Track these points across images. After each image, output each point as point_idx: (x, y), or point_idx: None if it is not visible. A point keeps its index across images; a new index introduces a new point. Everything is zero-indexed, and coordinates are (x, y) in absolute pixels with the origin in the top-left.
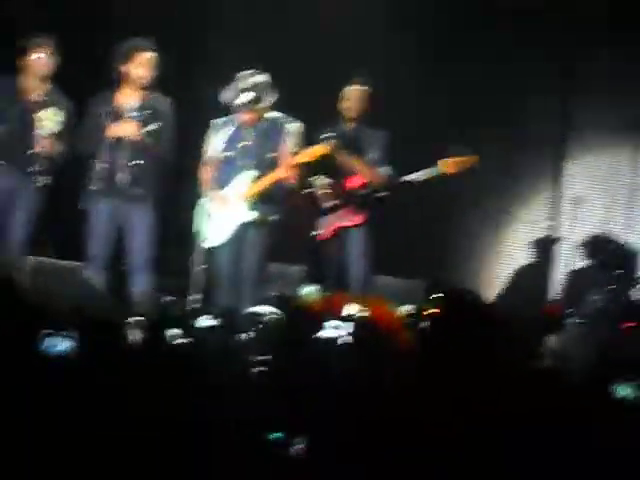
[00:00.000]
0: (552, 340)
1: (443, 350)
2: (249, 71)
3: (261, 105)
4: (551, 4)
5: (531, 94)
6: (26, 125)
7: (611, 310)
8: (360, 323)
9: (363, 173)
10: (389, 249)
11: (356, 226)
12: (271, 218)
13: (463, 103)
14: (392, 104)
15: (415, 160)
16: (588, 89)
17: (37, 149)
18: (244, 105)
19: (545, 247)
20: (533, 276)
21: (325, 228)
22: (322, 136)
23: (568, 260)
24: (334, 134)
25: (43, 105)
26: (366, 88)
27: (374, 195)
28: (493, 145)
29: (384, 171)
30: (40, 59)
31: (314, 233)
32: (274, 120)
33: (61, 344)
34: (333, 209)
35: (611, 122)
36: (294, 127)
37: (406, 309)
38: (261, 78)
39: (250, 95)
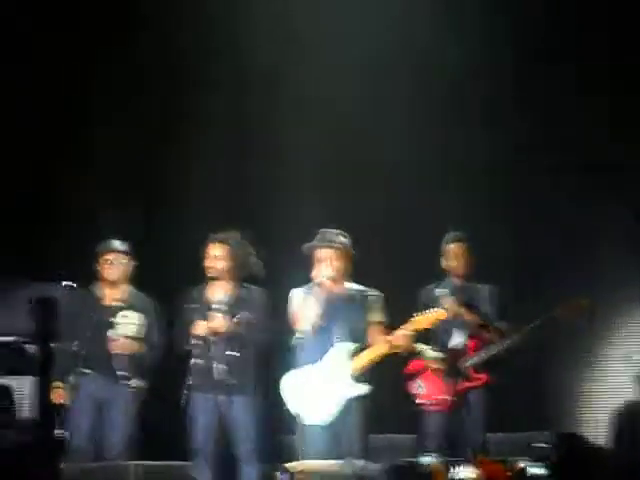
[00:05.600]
0: None
1: None
2: (331, 229)
3: (342, 263)
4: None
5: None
6: (107, 330)
7: None
8: None
9: (480, 329)
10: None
11: (481, 386)
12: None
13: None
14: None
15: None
16: None
17: (118, 352)
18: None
19: None
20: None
21: (448, 391)
22: (436, 292)
23: None
24: (446, 290)
25: (120, 309)
26: (467, 244)
27: (494, 351)
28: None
29: (500, 325)
30: (115, 264)
31: (440, 398)
32: (359, 290)
33: None
34: (454, 371)
35: None
36: (377, 297)
37: (520, 464)
38: (343, 238)
39: (330, 251)
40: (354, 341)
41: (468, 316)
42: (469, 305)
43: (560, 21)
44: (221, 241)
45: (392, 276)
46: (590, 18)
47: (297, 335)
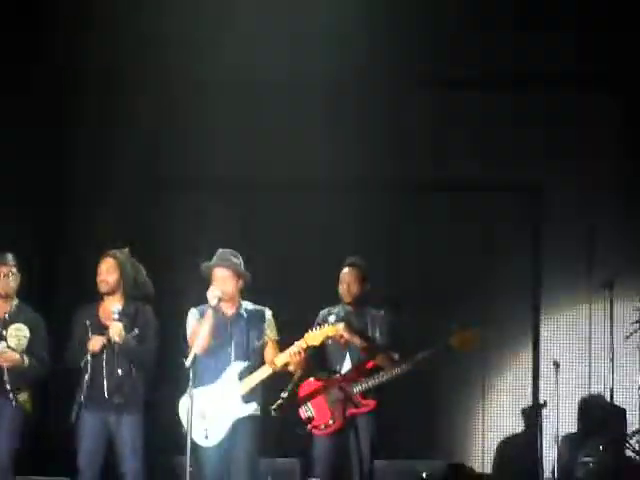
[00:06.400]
0: None
1: None
2: (226, 249)
3: (235, 283)
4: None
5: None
6: None
7: (602, 472)
8: None
9: (370, 355)
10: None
11: (368, 412)
12: (270, 409)
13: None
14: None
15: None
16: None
17: (6, 365)
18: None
19: (530, 414)
20: (522, 444)
21: (336, 416)
22: (329, 318)
23: (554, 425)
24: (338, 316)
25: (10, 322)
26: (361, 269)
27: (384, 378)
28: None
29: (391, 352)
30: (8, 277)
31: (328, 423)
32: (252, 309)
33: None
34: (342, 397)
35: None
36: (270, 315)
37: None
38: (235, 259)
39: (223, 271)
40: (249, 360)
41: (357, 342)
42: (358, 331)
43: None
44: (111, 256)
45: (291, 295)
46: None
47: (191, 356)
